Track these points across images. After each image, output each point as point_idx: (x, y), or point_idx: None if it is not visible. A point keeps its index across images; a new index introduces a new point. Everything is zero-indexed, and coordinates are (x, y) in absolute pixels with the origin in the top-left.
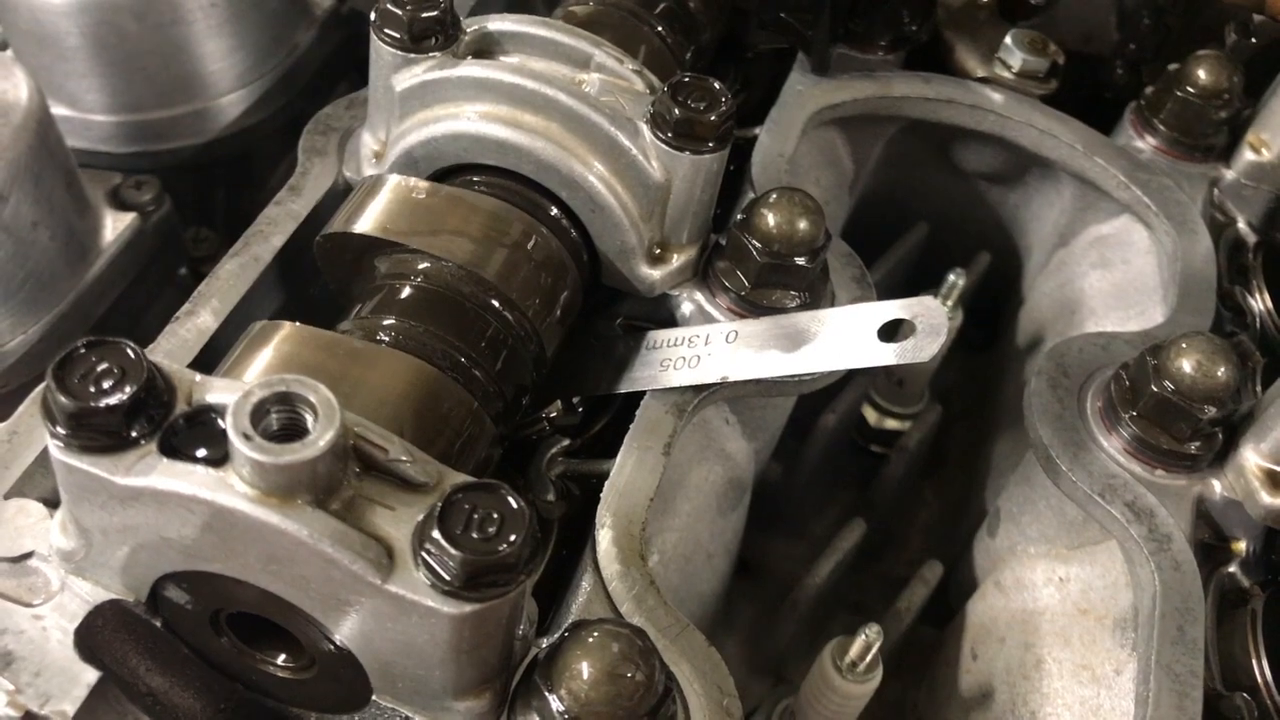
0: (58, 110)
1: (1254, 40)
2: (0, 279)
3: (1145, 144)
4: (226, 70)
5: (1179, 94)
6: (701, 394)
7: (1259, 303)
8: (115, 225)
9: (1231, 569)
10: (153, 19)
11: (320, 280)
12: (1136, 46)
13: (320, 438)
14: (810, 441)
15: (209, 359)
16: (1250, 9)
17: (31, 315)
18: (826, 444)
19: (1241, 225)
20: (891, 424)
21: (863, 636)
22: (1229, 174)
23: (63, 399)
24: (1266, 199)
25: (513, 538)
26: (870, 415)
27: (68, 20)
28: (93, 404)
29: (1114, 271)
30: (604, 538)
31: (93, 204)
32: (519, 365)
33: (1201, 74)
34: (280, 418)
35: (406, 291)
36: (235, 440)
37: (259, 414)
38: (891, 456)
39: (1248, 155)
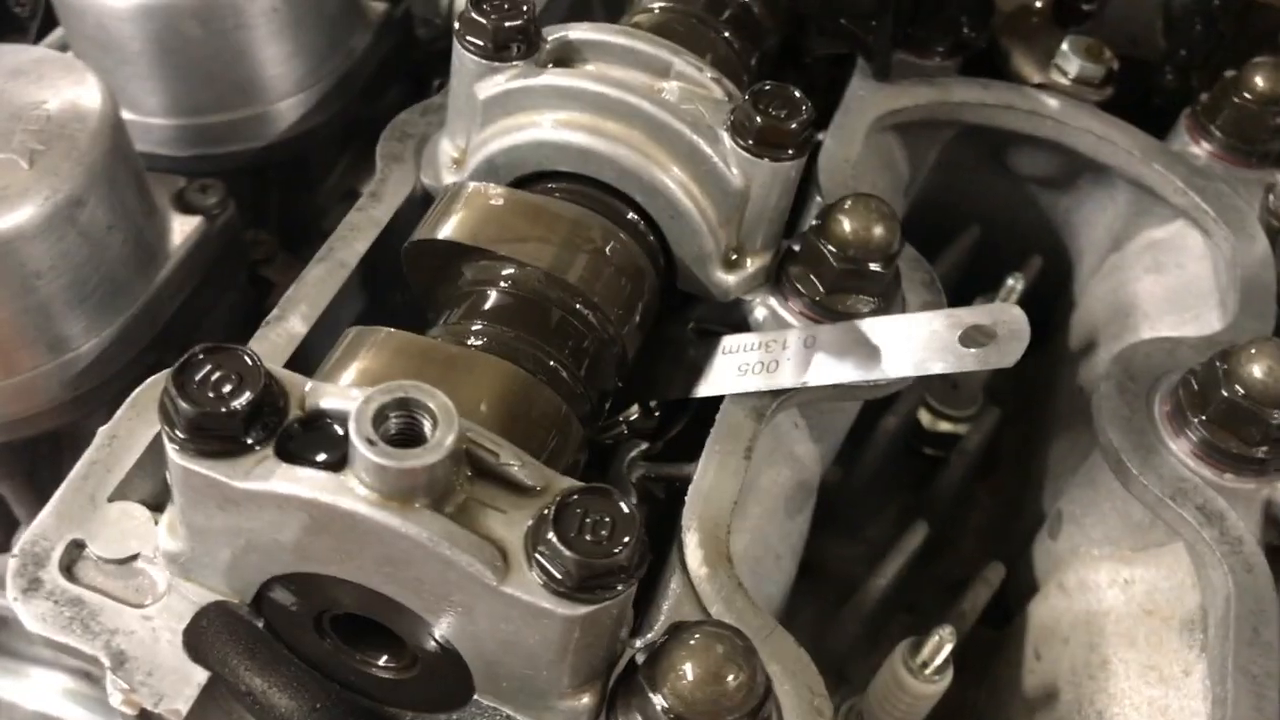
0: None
1: None
2: (76, 283)
3: (1201, 150)
4: (285, 75)
5: (1235, 100)
6: (779, 399)
7: None
8: (182, 229)
9: None
10: (216, 24)
11: (402, 285)
12: (1187, 52)
13: (441, 443)
14: (870, 444)
15: (298, 363)
16: None
17: (104, 319)
18: (886, 446)
19: None
20: (945, 426)
21: (935, 637)
22: None
23: (183, 404)
24: None
25: (626, 540)
26: (924, 418)
27: (132, 25)
28: (213, 409)
29: (1168, 276)
30: (691, 540)
31: (160, 208)
32: (603, 369)
33: (1259, 80)
34: (399, 423)
35: (494, 297)
36: (359, 445)
37: (380, 419)
38: (951, 459)
39: None
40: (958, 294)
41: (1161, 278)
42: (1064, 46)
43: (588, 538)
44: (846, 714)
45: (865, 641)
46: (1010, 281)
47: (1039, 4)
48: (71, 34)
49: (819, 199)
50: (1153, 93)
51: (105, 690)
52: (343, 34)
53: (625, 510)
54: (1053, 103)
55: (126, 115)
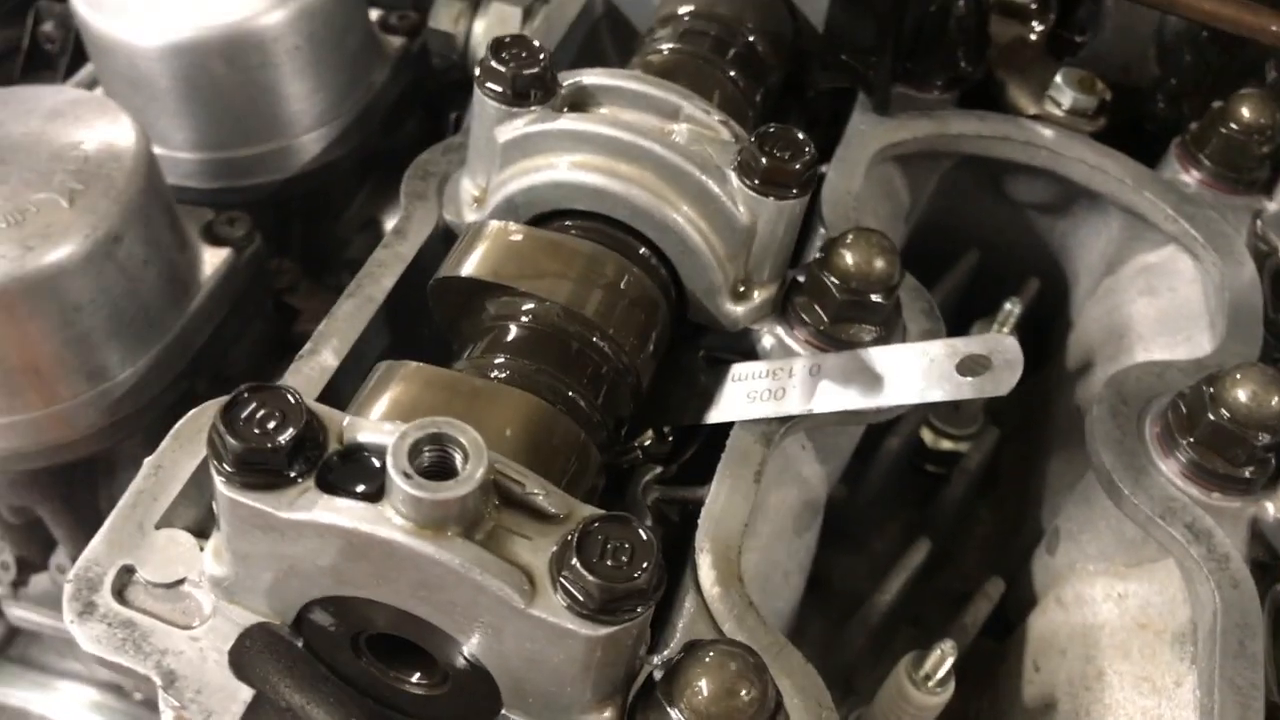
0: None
1: None
2: (114, 315)
3: (1191, 177)
4: (308, 110)
5: (1223, 130)
6: (787, 424)
7: None
8: (212, 260)
9: None
10: (241, 62)
11: (428, 319)
12: (1178, 81)
13: (472, 475)
14: (874, 463)
15: (330, 395)
16: None
17: (139, 348)
18: (890, 466)
19: None
20: (947, 445)
21: (938, 650)
22: (1272, 206)
23: (231, 440)
24: None
25: (645, 565)
26: (927, 437)
27: (161, 63)
28: (259, 445)
29: (1161, 299)
30: (704, 561)
31: (190, 240)
32: (619, 397)
33: (1245, 111)
34: (431, 456)
35: (515, 331)
36: (395, 477)
37: (415, 453)
38: (952, 477)
39: None
40: (959, 315)
41: (1154, 301)
42: (1058, 79)
43: (609, 563)
44: None
45: (871, 654)
46: (1008, 306)
47: (1033, 37)
48: (102, 71)
49: (823, 230)
50: (1145, 119)
51: (130, 703)
52: (362, 70)
53: (644, 537)
54: (1047, 133)
55: (155, 150)
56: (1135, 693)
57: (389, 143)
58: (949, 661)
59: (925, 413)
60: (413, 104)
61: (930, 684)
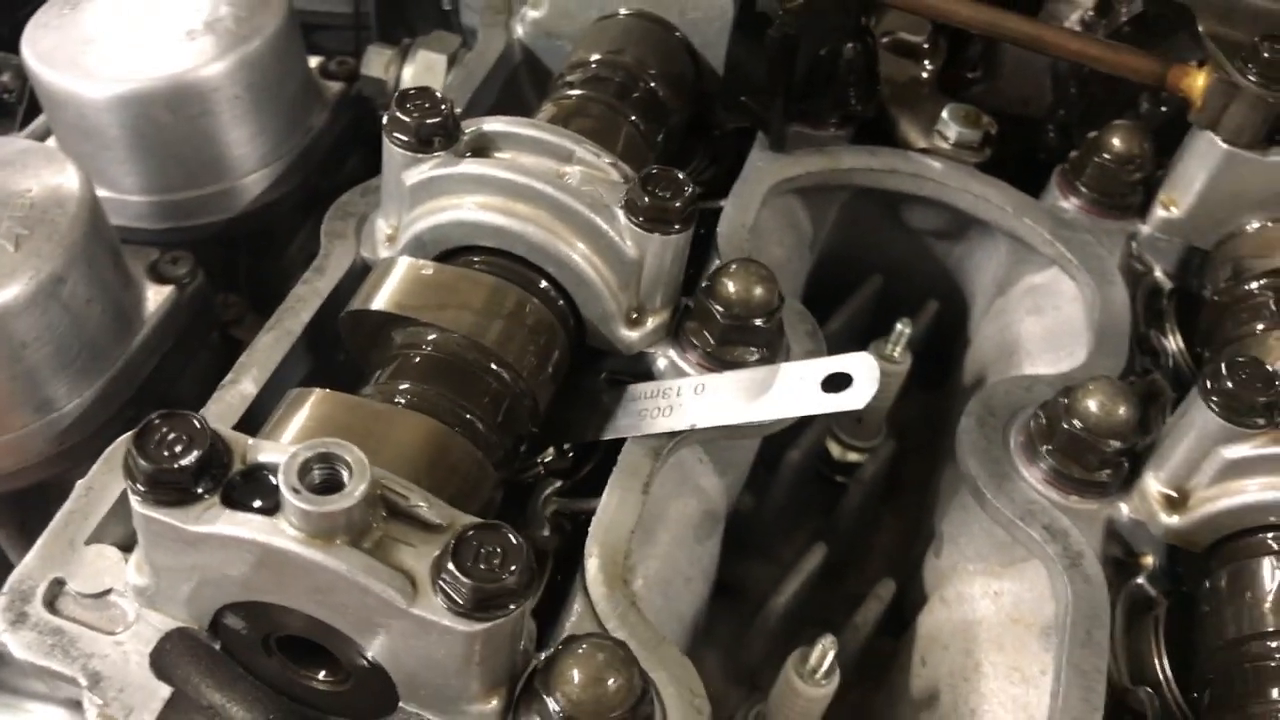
0: (99, 192)
1: (1164, 109)
2: (59, 351)
3: (1070, 204)
4: (250, 153)
5: (1097, 160)
6: (675, 439)
7: (1172, 343)
8: (155, 297)
9: (1140, 580)
10: (184, 111)
11: (343, 349)
12: (1065, 112)
13: (355, 489)
14: (778, 474)
15: (250, 420)
16: (1154, 87)
17: (85, 381)
18: (793, 476)
19: (1158, 274)
20: (853, 456)
21: (819, 646)
22: (1145, 229)
23: (142, 462)
24: (1178, 250)
25: (513, 568)
26: (834, 449)
27: (109, 114)
28: (167, 466)
29: (1046, 317)
30: (592, 565)
31: (135, 278)
32: (517, 418)
33: (1116, 141)
34: (321, 473)
35: (418, 359)
36: (286, 493)
37: (304, 471)
38: (849, 486)
39: (1160, 212)
40: (865, 338)
41: (1041, 319)
42: (944, 114)
43: (482, 566)
44: (753, 718)
45: (775, 654)
46: (899, 326)
47: (925, 75)
48: (54, 121)
49: (718, 260)
50: (1038, 149)
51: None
52: (301, 114)
53: (514, 542)
54: (935, 165)
55: (105, 193)
56: (1007, 682)
57: (330, 182)
58: (830, 655)
59: (827, 426)
60: (352, 144)
61: (816, 677)
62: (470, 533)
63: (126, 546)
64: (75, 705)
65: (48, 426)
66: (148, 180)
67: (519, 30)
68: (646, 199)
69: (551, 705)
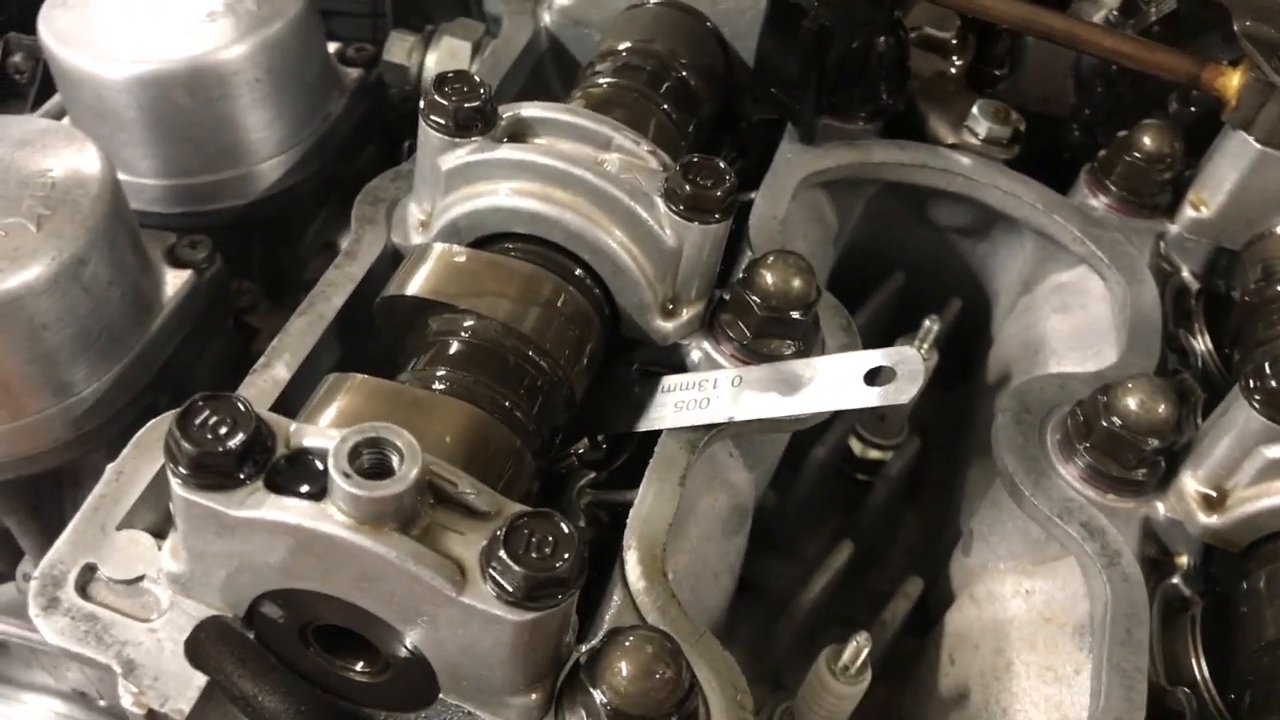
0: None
1: (1193, 109)
2: (80, 334)
3: (1099, 202)
4: (268, 138)
5: (1127, 158)
6: (710, 432)
7: (1200, 344)
8: (174, 282)
9: (1175, 580)
10: (203, 94)
11: (376, 335)
12: (1091, 111)
13: (407, 475)
14: (802, 472)
15: (282, 405)
16: (1188, 86)
17: (104, 365)
18: (817, 474)
19: (1185, 274)
20: (875, 454)
21: (854, 643)
22: (1173, 228)
23: (185, 444)
24: (1207, 250)
25: (566, 556)
26: (856, 447)
27: (127, 95)
28: (211, 449)
29: (1073, 316)
30: (631, 558)
31: (153, 262)
32: (553, 408)
33: (1146, 140)
34: (371, 458)
35: (455, 346)
36: (336, 477)
37: (354, 455)
38: (876, 484)
39: (1189, 212)
40: (886, 334)
41: (1067, 318)
42: (974, 110)
43: (533, 554)
44: (781, 716)
45: (800, 651)
46: (927, 323)
47: (953, 71)
48: (69, 102)
49: (750, 253)
50: (1062, 148)
51: (98, 714)
52: (320, 100)
53: (566, 530)
54: (964, 161)
55: (121, 176)
56: (1040, 681)
57: (347, 169)
58: (865, 653)
59: (851, 423)
60: (370, 132)
61: (849, 674)
62: (521, 520)
63: (158, 532)
64: (80, 696)
65: (65, 411)
66: (164, 163)
67: (546, 18)
68: (688, 187)
69: (598, 698)
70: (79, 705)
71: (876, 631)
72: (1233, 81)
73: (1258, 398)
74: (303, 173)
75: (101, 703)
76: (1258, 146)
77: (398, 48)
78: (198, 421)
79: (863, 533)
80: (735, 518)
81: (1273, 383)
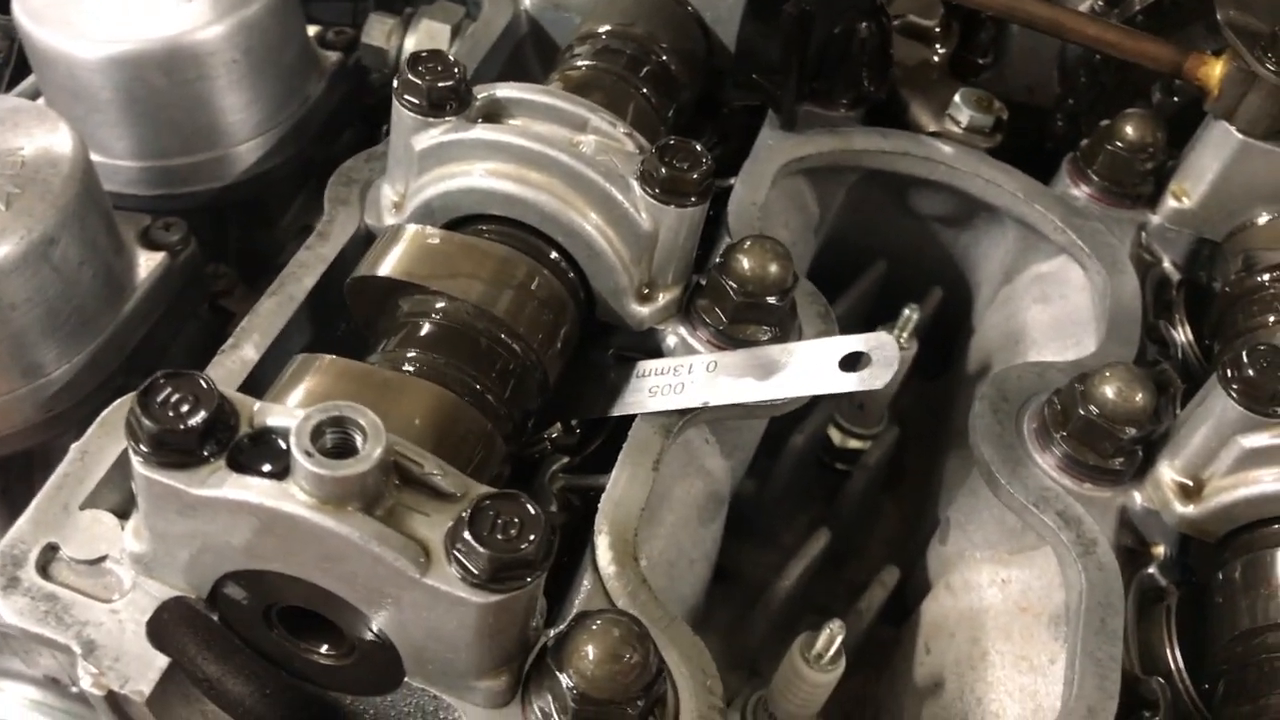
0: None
1: (1176, 99)
2: (49, 314)
3: (1080, 192)
4: (245, 120)
5: (1109, 148)
6: (685, 417)
7: (1181, 334)
8: (147, 264)
9: (1151, 570)
10: (179, 75)
11: (347, 317)
12: (1074, 101)
13: (370, 455)
14: (780, 459)
15: (251, 386)
16: (1170, 76)
17: (75, 346)
18: (795, 462)
19: (1166, 265)
20: (854, 444)
21: (827, 630)
22: (1155, 219)
23: (147, 422)
24: (1188, 241)
25: (531, 538)
26: (835, 436)
27: (102, 75)
28: (172, 426)
29: (1053, 306)
30: (602, 542)
31: (127, 244)
32: (526, 391)
33: (1129, 130)
34: (334, 438)
35: (427, 328)
36: (298, 456)
37: (317, 434)
38: (854, 473)
39: (1171, 203)
40: (868, 323)
41: (1047, 308)
42: (956, 98)
43: (499, 536)
44: (755, 704)
45: (776, 640)
46: (907, 311)
47: (936, 59)
48: (44, 82)
49: (728, 239)
50: (1045, 137)
51: (71, 701)
52: (298, 82)
53: (532, 512)
54: (946, 149)
55: (95, 158)
56: (1015, 670)
57: (325, 153)
58: (838, 640)
59: (830, 411)
60: (349, 116)
61: (822, 662)
62: (487, 502)
63: (122, 512)
64: (52, 683)
65: (35, 392)
66: (139, 145)
67: (525, 1)
68: (663, 170)
69: (565, 681)
70: (51, 691)
71: (852, 620)
72: (1215, 71)
73: (1235, 387)
74: (280, 156)
75: (74, 689)
76: (1239, 137)
77: (377, 30)
78: (159, 399)
79: (841, 521)
80: (711, 505)
81: (1250, 372)
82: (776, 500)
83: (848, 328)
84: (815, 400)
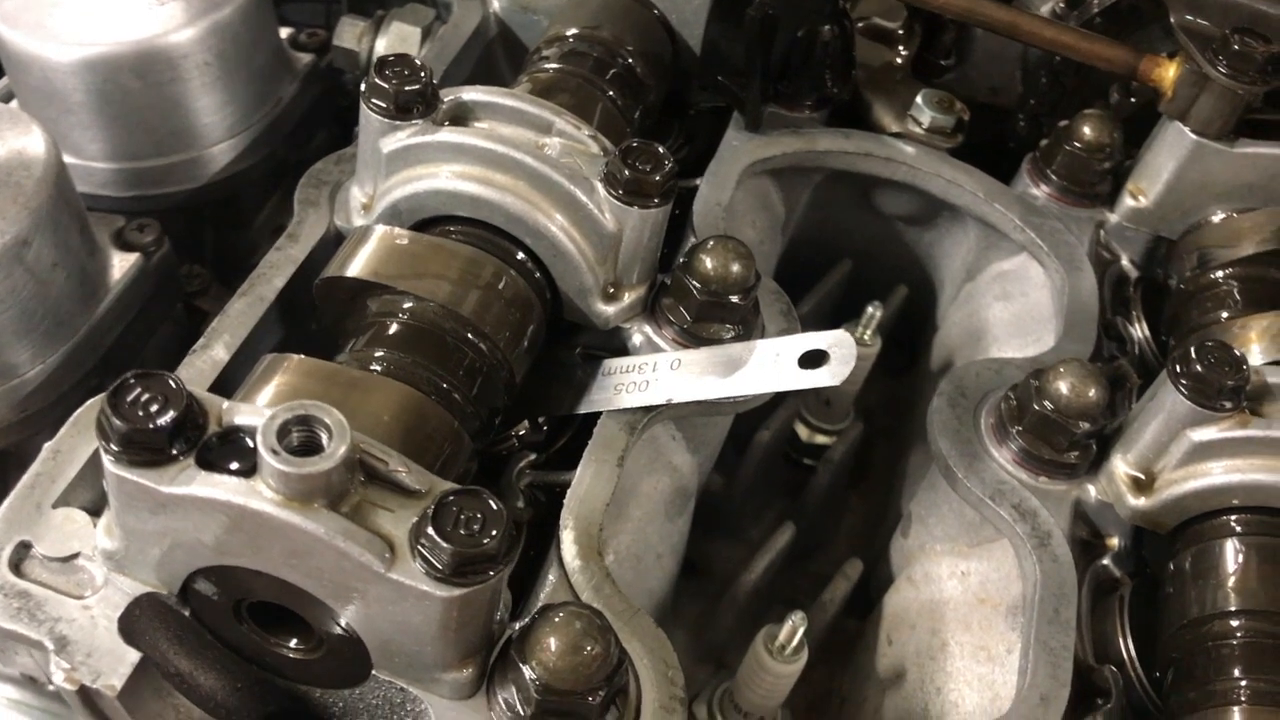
0: (64, 158)
1: (1133, 100)
2: (23, 315)
3: (1040, 191)
4: (218, 122)
5: (1067, 148)
6: (650, 414)
7: (1138, 331)
8: (121, 265)
9: (1105, 561)
10: (152, 77)
11: (317, 316)
12: (1036, 102)
13: (334, 452)
14: (747, 455)
15: (221, 386)
16: (1126, 77)
17: (49, 347)
18: (762, 457)
19: (1124, 263)
20: (821, 439)
21: (790, 622)
22: (1113, 217)
23: (117, 421)
24: (1145, 239)
25: (493, 533)
26: (802, 431)
27: (75, 78)
28: (141, 425)
29: (1014, 303)
30: (567, 537)
31: (101, 245)
32: (492, 390)
33: (1086, 130)
34: (300, 436)
35: (394, 327)
36: (264, 454)
37: (283, 433)
38: (819, 468)
39: (1128, 201)
40: (834, 320)
41: (1009, 305)
42: (918, 99)
43: (462, 531)
44: (720, 696)
45: (743, 633)
46: (870, 309)
47: (899, 60)
48: (17, 84)
49: (693, 238)
50: (1008, 137)
51: (48, 699)
52: (271, 84)
53: (495, 508)
54: (908, 149)
55: (69, 159)
56: (974, 660)
57: (298, 154)
58: (800, 632)
59: (796, 408)
60: (322, 117)
61: (785, 653)
62: (450, 498)
63: (95, 510)
64: (29, 681)
65: (10, 393)
66: (113, 147)
67: (495, 4)
68: (626, 172)
69: (528, 674)
70: (29, 690)
71: (816, 613)
72: (1169, 73)
73: (1184, 382)
74: (253, 157)
75: (51, 687)
76: (1193, 137)
77: (348, 33)
78: (129, 398)
79: (806, 516)
80: (678, 500)
81: (1198, 367)
82: (744, 495)
83: (814, 325)
84: (782, 396)
